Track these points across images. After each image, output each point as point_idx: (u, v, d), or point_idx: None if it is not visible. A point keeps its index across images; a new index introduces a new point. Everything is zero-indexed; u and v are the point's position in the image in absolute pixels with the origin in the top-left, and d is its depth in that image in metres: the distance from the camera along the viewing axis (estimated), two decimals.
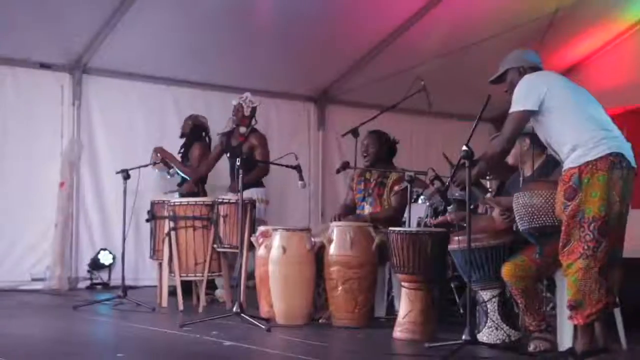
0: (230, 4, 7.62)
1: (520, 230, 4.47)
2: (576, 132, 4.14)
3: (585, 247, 4.02)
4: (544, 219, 4.29)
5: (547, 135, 4.32)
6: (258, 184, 7.18)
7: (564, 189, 4.10)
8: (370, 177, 6.41)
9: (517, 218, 4.45)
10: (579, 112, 4.21)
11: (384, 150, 6.39)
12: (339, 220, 6.05)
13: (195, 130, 7.67)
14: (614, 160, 4.05)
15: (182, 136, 7.70)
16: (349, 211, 6.42)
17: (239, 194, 5.80)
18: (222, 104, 8.55)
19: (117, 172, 6.76)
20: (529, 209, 4.33)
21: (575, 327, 4.31)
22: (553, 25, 8.48)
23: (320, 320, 5.75)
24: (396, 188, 6.23)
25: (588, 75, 9.31)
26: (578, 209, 4.03)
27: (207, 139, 7.71)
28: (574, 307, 4.07)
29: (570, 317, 4.13)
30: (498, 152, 4.42)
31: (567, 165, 4.15)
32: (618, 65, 9.23)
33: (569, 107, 4.22)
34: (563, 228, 4.09)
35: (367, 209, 6.28)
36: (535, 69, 4.50)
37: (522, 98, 4.27)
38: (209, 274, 6.52)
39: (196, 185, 7.42)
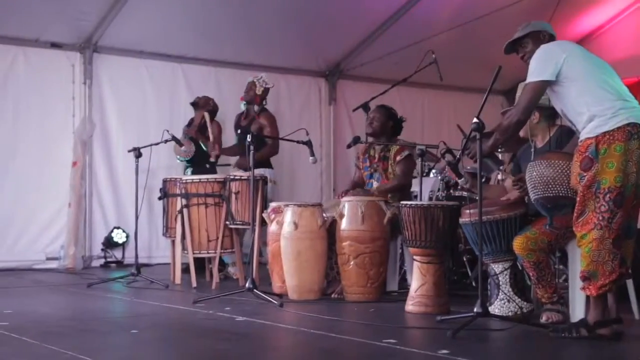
0: None
1: (532, 199, 4.46)
2: (594, 102, 4.09)
3: (600, 218, 3.99)
4: (558, 189, 4.28)
5: (563, 106, 4.28)
6: (267, 164, 7.23)
7: (580, 160, 4.07)
8: (374, 153, 6.38)
9: (530, 187, 4.43)
10: (596, 81, 4.16)
11: (389, 124, 6.33)
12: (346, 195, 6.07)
13: (215, 111, 7.69)
14: (632, 130, 4.01)
15: (197, 107, 7.68)
16: (357, 187, 6.42)
17: (249, 170, 5.81)
18: (232, 80, 8.60)
19: (129, 151, 6.81)
20: (544, 179, 4.31)
21: (587, 298, 4.31)
22: None
23: (332, 295, 5.77)
24: (398, 158, 6.19)
25: (601, 45, 9.23)
26: (594, 180, 4.01)
27: None
28: (587, 277, 4.06)
29: (583, 288, 4.11)
30: (514, 123, 4.35)
31: (583, 135, 4.12)
32: (631, 35, 9.14)
33: (587, 77, 4.17)
34: (578, 199, 4.07)
35: (375, 185, 6.28)
36: (553, 37, 4.47)
37: (540, 68, 4.21)
38: (222, 251, 6.56)
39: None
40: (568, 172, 4.24)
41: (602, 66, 4.27)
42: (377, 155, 6.34)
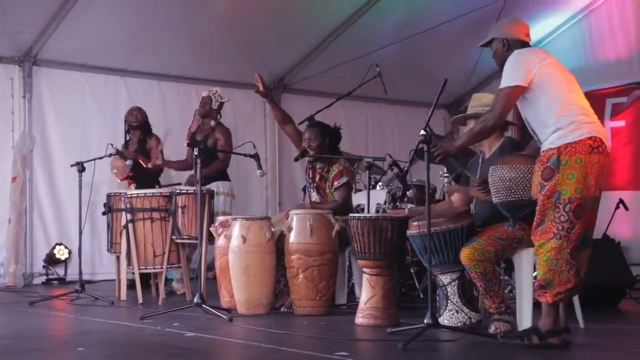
0: None
1: (495, 202, 4.49)
2: (560, 114, 4.15)
3: (560, 228, 4.06)
4: (520, 193, 4.34)
5: (529, 114, 4.31)
6: (223, 177, 7.19)
7: (542, 170, 4.14)
8: (316, 169, 6.29)
9: (493, 191, 4.48)
10: (564, 94, 4.23)
11: (325, 141, 6.24)
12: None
13: (146, 122, 7.60)
14: (593, 144, 4.10)
15: (135, 128, 7.58)
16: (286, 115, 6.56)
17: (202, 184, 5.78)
18: (176, 94, 8.56)
19: (72, 165, 6.71)
20: (507, 183, 4.36)
21: (536, 307, 4.39)
22: (505, 9, 8.57)
23: (282, 309, 5.76)
24: (336, 183, 6.12)
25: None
26: (555, 190, 4.08)
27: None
28: (543, 286, 4.12)
29: (539, 295, 4.17)
30: (489, 128, 4.37)
31: (545, 146, 4.18)
32: (571, 49, 9.34)
33: (556, 88, 4.23)
34: (538, 208, 4.14)
35: (315, 197, 6.28)
36: (520, 43, 4.46)
37: (514, 73, 4.24)
38: (168, 266, 6.50)
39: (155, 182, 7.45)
40: (529, 175, 4.29)
41: (570, 79, 4.33)
42: (317, 174, 6.29)
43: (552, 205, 4.09)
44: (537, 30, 9.71)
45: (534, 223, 4.19)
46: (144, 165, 7.33)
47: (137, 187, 7.27)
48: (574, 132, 4.12)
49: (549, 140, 4.17)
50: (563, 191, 4.06)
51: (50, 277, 7.93)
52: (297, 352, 4.24)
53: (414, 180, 6.19)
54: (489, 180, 4.50)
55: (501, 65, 4.42)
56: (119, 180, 7.54)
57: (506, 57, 4.37)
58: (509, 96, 4.26)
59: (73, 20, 7.42)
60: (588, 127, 4.14)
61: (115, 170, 7.45)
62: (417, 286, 6.31)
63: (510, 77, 4.25)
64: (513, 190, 4.35)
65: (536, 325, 4.23)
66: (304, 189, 6.74)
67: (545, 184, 4.11)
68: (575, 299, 4.98)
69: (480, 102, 5.13)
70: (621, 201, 7.44)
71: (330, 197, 6.20)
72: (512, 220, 4.58)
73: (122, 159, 7.13)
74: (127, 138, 7.63)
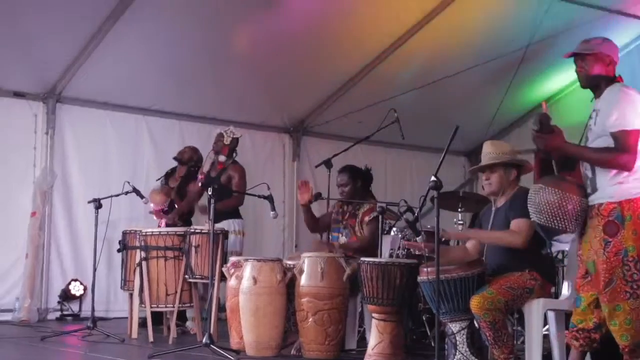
0: (206, 35, 7.69)
1: (534, 220, 4.35)
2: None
3: (635, 287, 3.99)
4: (565, 223, 4.17)
5: None
6: (235, 215, 7.23)
7: (604, 224, 4.06)
8: (346, 209, 6.45)
9: (534, 210, 4.27)
10: None
11: (358, 184, 6.42)
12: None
13: (195, 164, 7.69)
14: None
15: (181, 163, 7.69)
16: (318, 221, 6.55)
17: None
18: (196, 134, 8.63)
19: (89, 202, 6.78)
20: (553, 209, 4.17)
21: (545, 358, 4.33)
22: (525, 59, 8.60)
23: (292, 352, 5.73)
24: (366, 219, 6.26)
25: (559, 109, 9.41)
26: (622, 247, 4.01)
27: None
28: (633, 349, 4.02)
29: (632, 358, 4.05)
30: (616, 165, 4.10)
31: (604, 198, 4.09)
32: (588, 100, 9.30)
33: None
34: (604, 266, 4.04)
35: (342, 240, 6.32)
36: (614, 65, 4.30)
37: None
38: (180, 305, 6.52)
39: (181, 220, 7.45)
40: (564, 201, 4.15)
41: None
42: (348, 212, 6.40)
43: (620, 262, 4.01)
44: (556, 81, 9.75)
45: (601, 282, 4.06)
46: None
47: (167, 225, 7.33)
48: (634, 187, 4.07)
49: (609, 190, 4.09)
50: (630, 248, 4.00)
51: (65, 312, 7.94)
52: None
53: (428, 226, 6.19)
54: (531, 201, 4.30)
55: (586, 84, 4.31)
56: (154, 216, 7.58)
57: (595, 78, 4.25)
58: (637, 139, 4.08)
59: (97, 58, 7.52)
60: None
61: (152, 205, 7.48)
62: (429, 334, 6.27)
63: (638, 119, 4.09)
64: (559, 218, 4.17)
65: None
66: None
67: (610, 240, 4.03)
68: (588, 355, 4.92)
69: (501, 149, 5.10)
70: None
71: (359, 235, 6.25)
72: (548, 241, 4.52)
73: (139, 196, 7.16)
74: (169, 171, 7.72)
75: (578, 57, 4.31)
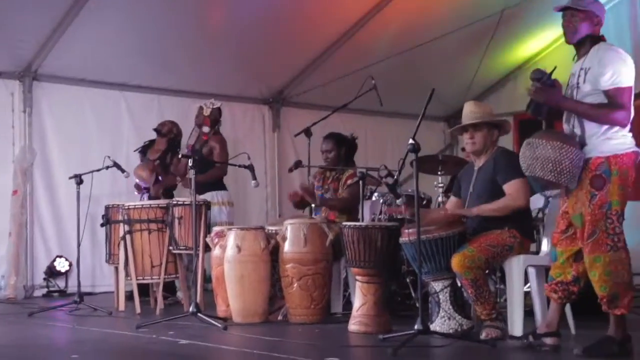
0: (182, 9, 7.67)
1: (527, 174, 4.34)
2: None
3: (616, 240, 4.07)
4: (558, 175, 4.15)
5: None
6: (219, 186, 7.27)
7: (591, 177, 4.12)
8: (329, 175, 6.54)
9: (527, 165, 4.25)
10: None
11: (342, 151, 6.51)
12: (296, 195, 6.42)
13: (175, 137, 7.73)
14: (636, 158, 4.16)
15: (161, 136, 7.70)
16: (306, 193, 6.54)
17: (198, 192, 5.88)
18: (175, 109, 8.63)
19: (70, 177, 6.79)
20: (548, 163, 4.15)
21: (526, 314, 4.44)
22: (501, 23, 8.66)
23: (278, 317, 5.80)
24: (349, 182, 6.36)
25: None
26: (606, 200, 4.08)
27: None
28: (611, 300, 4.09)
29: (610, 309, 4.12)
30: (611, 121, 4.14)
31: (592, 153, 4.14)
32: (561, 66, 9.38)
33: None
34: (589, 218, 4.11)
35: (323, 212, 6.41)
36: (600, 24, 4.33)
37: (631, 75, 4.16)
38: (166, 276, 6.57)
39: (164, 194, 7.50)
40: (566, 157, 4.13)
41: None
42: (331, 177, 6.52)
43: (604, 216, 4.08)
44: (533, 44, 9.82)
45: (585, 234, 4.13)
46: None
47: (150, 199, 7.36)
48: (623, 142, 4.14)
49: (598, 145, 4.14)
50: (614, 202, 4.07)
51: (51, 289, 7.97)
52: (289, 358, 4.29)
53: (409, 190, 6.27)
54: (529, 154, 4.24)
55: (573, 40, 4.34)
56: (135, 192, 7.63)
57: (584, 31, 4.28)
58: (630, 96, 4.16)
59: (72, 35, 7.48)
60: (632, 141, 4.18)
61: (137, 180, 7.51)
62: (413, 295, 6.35)
63: (630, 77, 4.16)
64: (564, 173, 4.13)
65: (608, 335, 4.16)
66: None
67: (597, 193, 4.09)
68: (568, 306, 5.02)
69: (483, 110, 5.14)
70: None
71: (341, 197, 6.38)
72: (540, 189, 4.60)
73: (119, 170, 7.16)
74: (147, 142, 7.77)
75: (568, 11, 4.33)
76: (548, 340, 4.30)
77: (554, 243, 4.41)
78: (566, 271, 4.31)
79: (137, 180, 7.50)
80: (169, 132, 7.72)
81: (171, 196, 7.44)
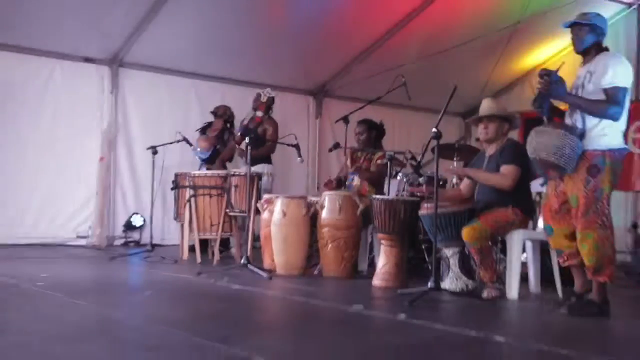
0: (245, 9, 7.73)
1: (533, 157, 4.31)
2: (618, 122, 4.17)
3: (605, 220, 4.11)
4: (559, 158, 4.16)
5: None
6: (267, 160, 7.37)
7: (588, 166, 4.13)
8: (361, 155, 6.60)
9: (537, 148, 4.23)
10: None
11: (372, 134, 6.59)
12: (331, 183, 6.43)
13: (229, 118, 7.84)
14: (624, 154, 4.19)
15: (218, 117, 7.81)
16: (339, 182, 6.58)
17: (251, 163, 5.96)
18: (236, 95, 8.68)
19: (147, 148, 6.92)
20: (553, 148, 4.16)
21: (522, 280, 4.47)
22: (516, 33, 8.59)
23: (314, 272, 5.89)
24: (379, 162, 6.45)
25: None
26: (599, 186, 4.11)
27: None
28: (596, 269, 4.13)
29: (595, 276, 4.16)
30: (607, 115, 4.13)
31: (591, 145, 4.14)
32: (568, 72, 9.31)
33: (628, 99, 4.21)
34: (583, 200, 4.13)
35: (355, 180, 6.45)
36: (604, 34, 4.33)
37: (629, 77, 4.17)
38: (222, 234, 6.68)
39: (222, 165, 7.63)
40: (567, 141, 4.14)
41: None
42: (362, 157, 6.56)
43: (596, 199, 4.11)
44: (540, 53, 9.72)
45: (579, 212, 4.15)
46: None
47: (208, 166, 7.47)
48: (617, 139, 4.16)
49: (596, 139, 4.14)
50: (605, 188, 4.12)
51: (128, 239, 8.12)
52: (322, 304, 4.39)
53: (428, 172, 6.30)
54: (540, 140, 4.21)
55: (580, 50, 4.33)
56: (198, 159, 7.70)
57: (589, 41, 4.28)
58: (625, 95, 4.15)
59: (152, 30, 7.59)
60: (623, 139, 4.20)
61: (199, 149, 7.61)
62: (427, 259, 6.40)
63: (628, 79, 4.17)
64: (564, 157, 4.14)
65: (590, 299, 4.22)
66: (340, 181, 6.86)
67: (592, 179, 4.13)
68: (556, 274, 5.05)
69: (498, 106, 5.16)
70: None
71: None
72: (545, 177, 4.56)
73: (188, 144, 7.29)
74: (206, 124, 7.84)
75: (576, 26, 4.36)
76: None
77: (546, 219, 4.42)
78: (571, 245, 4.33)
79: (199, 149, 7.61)
80: (223, 114, 7.81)
81: (225, 167, 7.55)
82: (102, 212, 7.92)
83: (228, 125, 7.84)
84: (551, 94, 4.29)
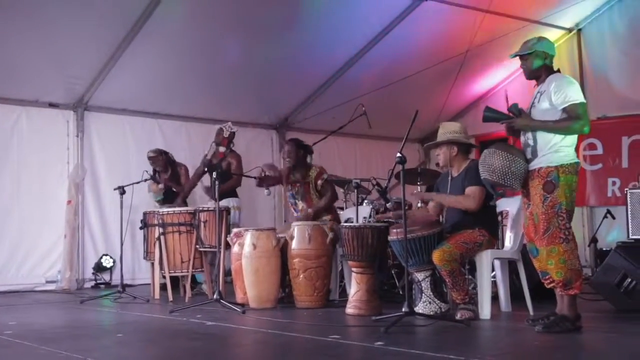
0: (205, 52, 7.61)
1: (484, 177, 4.30)
2: (567, 138, 4.11)
3: (567, 233, 4.03)
4: (511, 180, 4.15)
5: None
6: (233, 194, 7.15)
7: (543, 183, 4.06)
8: (295, 179, 6.24)
9: (487, 170, 4.23)
10: None
11: (300, 153, 6.18)
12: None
13: (169, 159, 7.55)
14: (577, 168, 4.11)
15: (163, 171, 7.52)
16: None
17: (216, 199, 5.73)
18: (200, 133, 8.53)
19: (115, 189, 6.68)
20: (505, 170, 4.14)
21: (493, 299, 4.31)
22: (465, 62, 8.60)
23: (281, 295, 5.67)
24: (319, 182, 6.10)
25: (493, 103, 9.38)
26: (557, 201, 4.03)
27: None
28: (565, 283, 4.03)
29: (565, 291, 4.06)
30: (578, 129, 4.06)
31: (543, 163, 4.08)
32: (517, 94, 9.34)
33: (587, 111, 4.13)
34: (543, 217, 4.05)
35: (301, 205, 6.19)
36: (552, 59, 4.30)
37: (580, 93, 4.11)
38: (193, 270, 6.44)
39: (183, 201, 7.36)
40: (515, 167, 4.12)
41: None
42: (297, 185, 6.20)
43: (555, 214, 4.03)
44: (491, 79, 9.75)
45: (540, 230, 4.07)
46: (174, 190, 7.33)
47: (166, 204, 7.21)
48: (568, 155, 4.09)
49: (548, 157, 4.08)
50: (563, 203, 4.03)
51: (98, 281, 7.82)
52: (298, 336, 4.19)
53: (394, 198, 6.16)
54: (486, 161, 4.23)
55: (530, 77, 4.31)
56: (154, 201, 7.48)
57: (536, 71, 4.24)
58: (584, 108, 4.08)
59: (114, 76, 7.42)
60: (574, 154, 4.13)
61: (151, 193, 7.39)
62: (397, 284, 6.24)
63: (580, 94, 4.10)
64: (507, 177, 4.14)
65: (563, 315, 4.08)
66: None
67: (548, 195, 4.05)
68: (526, 290, 4.93)
69: (448, 129, 5.07)
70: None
71: (315, 198, 6.10)
72: (495, 192, 4.58)
73: (154, 182, 7.05)
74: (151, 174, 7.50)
75: (521, 56, 4.32)
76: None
77: (530, 239, 4.27)
78: None
79: (152, 194, 7.35)
80: (164, 164, 7.46)
81: (187, 204, 7.34)
82: (71, 255, 7.61)
83: (170, 162, 7.54)
84: (520, 128, 4.24)
